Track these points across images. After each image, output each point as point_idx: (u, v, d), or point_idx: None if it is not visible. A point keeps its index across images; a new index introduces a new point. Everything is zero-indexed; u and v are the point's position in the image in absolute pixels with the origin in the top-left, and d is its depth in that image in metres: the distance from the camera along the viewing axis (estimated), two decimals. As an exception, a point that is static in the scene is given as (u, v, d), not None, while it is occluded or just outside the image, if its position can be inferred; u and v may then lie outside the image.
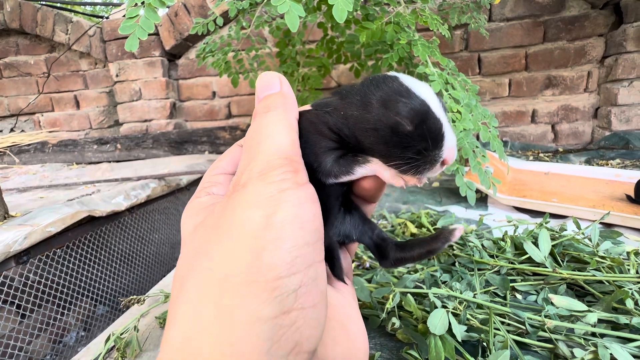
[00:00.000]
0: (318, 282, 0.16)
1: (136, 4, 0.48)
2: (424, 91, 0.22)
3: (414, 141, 0.21)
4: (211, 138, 1.68)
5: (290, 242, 0.16)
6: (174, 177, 1.19)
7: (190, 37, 1.74)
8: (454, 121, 0.71)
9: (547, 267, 0.48)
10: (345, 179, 0.23)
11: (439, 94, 0.25)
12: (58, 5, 2.02)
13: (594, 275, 0.44)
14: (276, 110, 0.21)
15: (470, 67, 1.60)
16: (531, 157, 1.39)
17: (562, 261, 0.50)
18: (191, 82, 1.88)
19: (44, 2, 1.99)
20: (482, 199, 0.91)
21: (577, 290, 0.46)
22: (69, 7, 2.04)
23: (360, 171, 0.23)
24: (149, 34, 1.79)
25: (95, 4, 2.55)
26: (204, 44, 1.15)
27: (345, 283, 0.24)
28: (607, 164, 1.21)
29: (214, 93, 1.87)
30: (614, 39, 1.42)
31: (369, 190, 0.25)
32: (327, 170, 0.23)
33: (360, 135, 0.22)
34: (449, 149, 0.22)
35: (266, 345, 0.14)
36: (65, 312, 0.83)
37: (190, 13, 1.71)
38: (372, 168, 0.23)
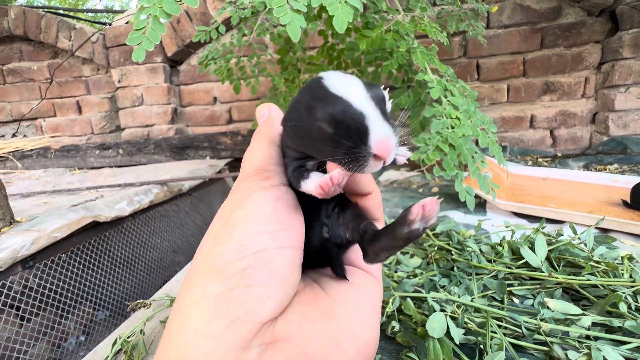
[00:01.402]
0: (270, 264, 0.19)
1: (143, 16, 0.50)
2: (345, 87, 0.21)
3: (340, 141, 0.21)
4: (212, 143, 1.70)
5: (239, 233, 0.20)
6: (176, 183, 1.21)
7: (192, 43, 1.77)
8: (453, 127, 0.73)
9: (543, 272, 0.49)
10: (302, 190, 0.23)
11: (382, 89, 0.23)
12: (61, 12, 2.06)
13: (589, 280, 0.46)
14: (261, 132, 0.26)
15: (469, 73, 1.63)
16: (530, 162, 1.40)
17: (558, 266, 0.51)
18: (192, 88, 1.90)
19: (48, 9, 2.03)
20: (481, 204, 0.92)
21: (572, 295, 0.47)
22: (72, 13, 2.08)
23: (305, 187, 0.22)
24: (151, 41, 1.82)
25: (98, 11, 2.59)
26: (206, 51, 1.17)
27: (347, 279, 0.25)
28: (605, 169, 1.23)
29: (215, 99, 1.89)
30: (610, 45, 1.44)
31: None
32: (290, 181, 0.24)
33: (300, 144, 0.23)
34: (378, 142, 0.20)
35: (208, 316, 0.18)
36: (66, 317, 0.84)
37: (192, 20, 1.74)
38: (313, 181, 0.22)
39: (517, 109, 1.61)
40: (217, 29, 1.09)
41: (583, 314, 0.40)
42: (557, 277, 0.47)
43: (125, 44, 1.83)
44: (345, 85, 0.22)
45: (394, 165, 0.26)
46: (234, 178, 1.75)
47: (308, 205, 0.25)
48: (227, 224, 0.21)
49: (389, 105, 0.23)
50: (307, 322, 0.20)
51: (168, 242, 1.23)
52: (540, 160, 1.44)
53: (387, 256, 0.22)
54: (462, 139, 0.72)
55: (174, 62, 1.87)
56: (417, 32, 0.95)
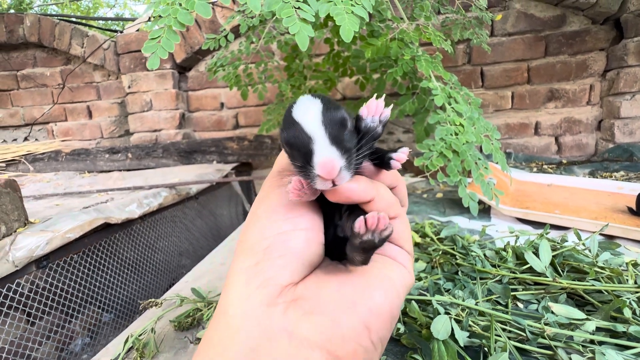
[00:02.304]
0: (287, 242, 0.24)
1: (158, 26, 0.52)
2: (302, 112, 0.24)
3: (296, 160, 0.25)
4: (219, 148, 1.72)
5: (262, 222, 0.25)
6: (184, 186, 1.23)
7: (200, 50, 1.80)
8: (456, 134, 0.74)
9: (547, 277, 0.49)
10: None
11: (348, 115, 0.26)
12: (74, 20, 2.11)
13: (593, 285, 0.46)
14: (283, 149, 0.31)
15: (473, 80, 1.64)
16: (535, 169, 1.40)
17: (563, 271, 0.51)
18: (200, 94, 1.94)
19: (61, 17, 2.08)
20: (485, 210, 0.92)
21: (576, 300, 0.47)
22: (84, 21, 2.13)
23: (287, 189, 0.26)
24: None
25: (109, 19, 2.65)
26: (215, 58, 1.20)
27: (356, 265, 0.27)
28: (611, 176, 1.22)
29: (222, 104, 1.92)
30: (615, 53, 1.45)
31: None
32: None
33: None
34: (319, 165, 0.23)
35: (243, 282, 0.24)
36: (73, 318, 0.85)
37: (201, 28, 1.78)
38: (289, 186, 0.25)
39: (522, 115, 1.62)
40: (226, 36, 1.12)
41: (587, 319, 0.41)
42: (561, 282, 0.47)
43: (135, 51, 1.87)
44: (303, 111, 0.25)
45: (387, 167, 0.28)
46: (240, 182, 1.76)
47: (325, 208, 0.28)
48: (253, 217, 0.27)
49: (349, 125, 0.25)
50: (324, 287, 0.24)
51: (174, 245, 1.24)
52: (545, 166, 1.44)
53: (360, 261, 0.25)
54: (466, 145, 0.72)
55: (182, 69, 1.91)
56: (421, 40, 0.96)
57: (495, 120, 1.63)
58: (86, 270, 0.85)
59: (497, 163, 0.78)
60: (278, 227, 0.25)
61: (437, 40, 0.93)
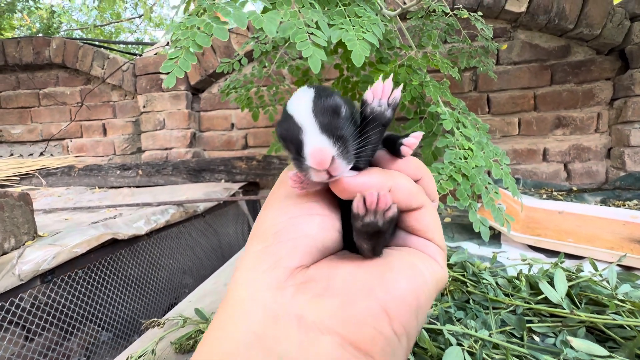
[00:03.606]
0: (299, 225, 0.23)
1: (177, 47, 0.54)
2: (294, 103, 0.23)
3: (290, 153, 0.23)
4: (228, 167, 1.74)
5: (275, 208, 0.25)
6: (192, 204, 1.23)
7: (214, 73, 1.87)
8: (465, 158, 0.74)
9: (564, 309, 0.47)
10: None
11: (346, 102, 0.24)
12: (97, 43, 2.23)
13: (615, 320, 0.44)
14: None
15: (480, 107, 1.65)
16: (544, 196, 1.38)
17: (580, 303, 0.49)
18: (212, 114, 1.98)
19: (85, 41, 2.20)
20: (496, 237, 0.90)
21: (597, 335, 0.45)
22: (106, 45, 2.24)
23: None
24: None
25: (129, 43, 2.79)
26: (228, 81, 1.24)
27: (367, 256, 0.25)
28: (624, 205, 1.19)
29: (232, 125, 1.96)
30: (621, 82, 1.46)
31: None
32: None
33: None
34: (309, 155, 0.21)
35: (252, 265, 0.22)
36: (70, 337, 0.83)
37: (216, 53, 1.85)
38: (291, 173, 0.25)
39: (529, 142, 1.61)
40: (239, 61, 1.16)
41: (610, 356, 0.38)
42: (579, 315, 0.45)
43: (152, 73, 1.95)
44: (295, 102, 0.23)
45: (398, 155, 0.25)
46: (247, 202, 1.76)
47: (343, 201, 0.25)
48: (266, 205, 0.26)
49: (344, 112, 0.24)
50: (338, 270, 0.22)
51: (179, 263, 1.23)
52: (555, 193, 1.41)
53: (368, 249, 0.22)
54: (475, 169, 0.72)
55: (196, 90, 1.97)
56: (429, 68, 0.99)
57: (503, 146, 1.63)
58: (89, 287, 0.83)
59: (506, 188, 0.77)
60: (290, 212, 0.24)
61: (445, 67, 0.95)
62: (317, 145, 0.21)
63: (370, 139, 0.24)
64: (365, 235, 0.22)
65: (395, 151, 0.25)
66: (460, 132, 0.79)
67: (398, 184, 0.24)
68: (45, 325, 0.74)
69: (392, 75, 0.28)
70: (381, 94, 0.24)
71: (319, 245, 0.23)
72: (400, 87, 0.26)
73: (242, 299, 0.21)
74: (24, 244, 0.68)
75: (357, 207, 0.21)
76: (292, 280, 0.21)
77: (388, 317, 0.20)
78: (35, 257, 0.63)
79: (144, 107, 1.97)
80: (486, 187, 0.70)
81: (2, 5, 2.72)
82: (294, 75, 1.32)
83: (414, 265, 0.23)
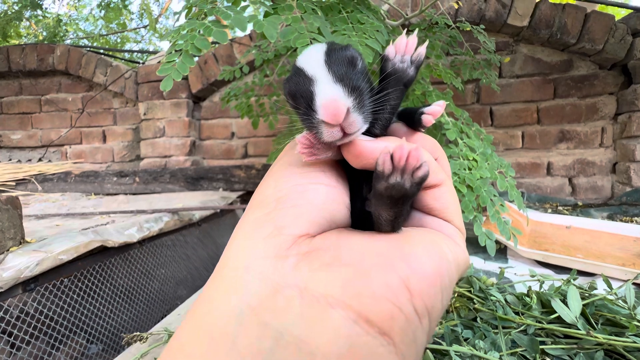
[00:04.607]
0: (304, 193, 0.21)
1: (175, 51, 0.53)
2: (306, 56, 0.21)
3: (299, 111, 0.21)
4: (227, 176, 1.72)
5: (278, 174, 0.23)
6: (187, 212, 1.20)
7: (216, 82, 1.88)
8: (470, 169, 0.72)
9: (579, 329, 0.44)
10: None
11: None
12: (101, 51, 2.25)
13: (635, 342, 0.40)
14: None
15: (483, 119, 1.64)
16: (549, 210, 1.35)
17: (596, 323, 0.46)
18: (212, 123, 1.98)
19: (90, 48, 2.22)
20: (502, 251, 0.87)
21: (615, 358, 0.41)
22: (111, 53, 2.27)
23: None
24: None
25: (134, 52, 2.82)
26: (229, 88, 1.23)
27: (384, 229, 0.22)
28: (632, 221, 1.16)
29: (232, 133, 1.95)
30: (625, 97, 1.45)
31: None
32: None
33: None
34: (321, 106, 0.19)
35: (249, 232, 0.20)
36: (57, 348, 0.79)
37: (218, 61, 1.87)
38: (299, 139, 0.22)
39: (533, 155, 1.60)
40: (241, 69, 1.16)
41: (633, 384, 0.35)
42: (597, 337, 0.42)
43: (154, 81, 1.96)
44: (307, 54, 0.21)
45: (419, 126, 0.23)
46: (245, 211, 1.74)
47: (352, 178, 0.23)
48: (270, 173, 0.24)
49: (360, 64, 0.22)
50: (348, 238, 0.20)
51: (172, 273, 1.19)
52: (560, 208, 1.39)
53: (389, 220, 0.20)
54: (480, 181, 0.70)
55: (197, 99, 1.98)
56: (432, 78, 0.98)
57: (506, 159, 1.61)
58: (75, 297, 0.80)
59: (512, 201, 0.74)
60: (294, 180, 0.22)
61: (448, 77, 0.95)
62: (330, 95, 0.19)
63: (389, 97, 0.22)
64: (387, 201, 0.19)
65: (413, 123, 0.23)
66: (464, 142, 0.77)
67: None
68: (27, 338, 0.70)
69: (417, 30, 0.25)
70: (405, 49, 0.22)
71: (326, 215, 0.21)
72: (426, 43, 0.23)
73: (235, 269, 0.19)
74: (8, 250, 0.66)
75: (383, 163, 0.18)
76: (296, 248, 0.19)
77: (409, 292, 0.17)
78: (18, 264, 0.60)
79: (144, 114, 1.97)
80: (491, 200, 0.68)
81: (10, 13, 2.77)
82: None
83: (436, 242, 0.20)
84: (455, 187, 0.68)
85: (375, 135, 0.22)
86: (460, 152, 0.75)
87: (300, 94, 0.21)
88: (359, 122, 0.20)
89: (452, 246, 0.21)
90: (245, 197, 1.72)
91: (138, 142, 2.07)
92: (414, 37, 0.23)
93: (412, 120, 0.24)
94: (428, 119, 0.22)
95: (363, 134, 0.21)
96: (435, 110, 0.22)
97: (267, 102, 1.31)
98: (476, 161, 0.74)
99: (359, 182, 0.23)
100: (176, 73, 0.51)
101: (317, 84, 0.20)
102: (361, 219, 0.23)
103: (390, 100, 0.22)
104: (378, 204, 0.20)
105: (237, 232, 0.21)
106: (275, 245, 0.19)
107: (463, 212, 0.66)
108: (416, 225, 0.23)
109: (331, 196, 0.21)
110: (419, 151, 0.18)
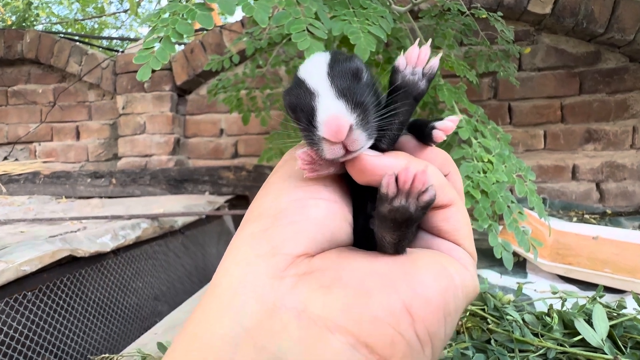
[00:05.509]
0: (305, 209, 0.22)
1: (155, 37, 0.53)
2: (308, 67, 0.23)
3: (300, 127, 0.22)
4: (214, 178, 1.72)
5: (276, 188, 0.24)
6: (169, 218, 1.20)
7: (203, 73, 1.88)
8: (485, 172, 0.72)
9: (606, 354, 0.43)
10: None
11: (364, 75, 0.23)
12: (76, 38, 2.26)
13: (669, 369, 0.40)
14: None
15: (500, 117, 1.65)
16: (575, 219, 1.35)
17: (625, 347, 0.45)
18: (199, 118, 1.98)
19: (65, 35, 2.23)
20: (520, 264, 0.87)
21: (648, 387, 0.41)
22: (88, 40, 2.28)
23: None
24: (162, 69, 1.94)
25: (113, 39, 2.84)
26: (217, 80, 1.24)
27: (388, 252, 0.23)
28: (667, 231, 1.16)
29: (221, 130, 1.95)
30: (659, 93, 1.45)
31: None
32: None
33: None
34: (323, 123, 0.20)
35: (244, 249, 0.21)
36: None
37: (206, 50, 1.87)
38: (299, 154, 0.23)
39: (557, 157, 1.60)
40: (230, 58, 1.16)
41: (667, 416, 0.34)
42: (625, 362, 0.41)
43: (134, 71, 1.96)
44: (309, 66, 0.23)
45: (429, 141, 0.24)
46: (234, 217, 1.73)
47: (355, 194, 0.25)
48: (266, 185, 0.25)
49: (366, 77, 0.23)
50: (349, 259, 0.21)
51: (151, 287, 1.19)
52: (586, 216, 1.38)
53: (392, 243, 0.21)
54: (496, 185, 0.70)
55: (182, 91, 1.98)
56: (443, 70, 0.98)
57: (527, 161, 1.61)
58: (40, 313, 0.79)
59: (531, 208, 0.74)
60: (294, 194, 0.23)
61: (461, 69, 0.95)
62: (333, 112, 0.20)
63: (397, 112, 0.23)
64: (390, 224, 0.20)
65: (423, 136, 0.24)
66: (479, 142, 0.77)
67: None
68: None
69: (430, 40, 0.26)
70: (416, 61, 0.23)
71: (326, 233, 0.22)
72: (440, 54, 0.24)
73: (229, 289, 0.20)
74: (-36, 259, 0.65)
75: (387, 185, 0.20)
76: (294, 269, 0.20)
77: (411, 317, 0.18)
78: (-27, 275, 0.60)
79: (123, 108, 1.97)
80: (509, 206, 0.68)
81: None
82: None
83: (442, 265, 0.21)
84: (468, 192, 0.68)
85: (382, 150, 0.23)
86: (474, 153, 0.75)
87: (301, 107, 0.22)
88: (362, 140, 0.21)
89: (461, 270, 0.22)
90: (235, 202, 1.71)
91: (115, 139, 2.06)
92: (426, 48, 0.24)
93: (422, 134, 0.25)
94: (439, 135, 0.23)
95: (369, 148, 0.22)
96: (447, 126, 0.23)
97: (260, 96, 1.31)
98: (492, 163, 0.74)
99: (363, 197, 0.24)
100: (155, 61, 0.51)
101: (319, 98, 0.21)
102: (364, 237, 0.24)
103: (398, 115, 0.23)
104: (381, 226, 0.21)
105: (232, 247, 0.22)
106: (272, 265, 0.20)
107: (476, 220, 0.66)
108: (423, 247, 0.24)
109: (332, 212, 0.22)
110: (426, 174, 0.19)
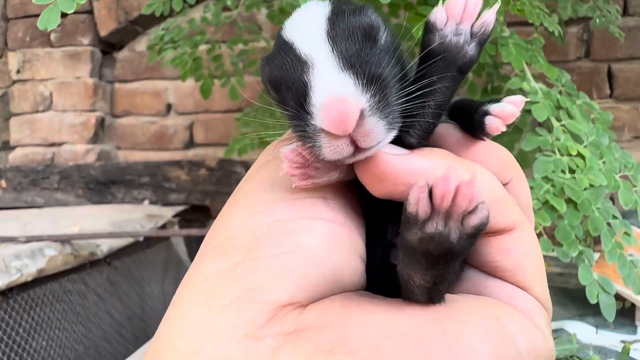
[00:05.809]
0: (292, 234, 0.23)
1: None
2: (298, 24, 0.24)
3: (287, 112, 0.23)
4: (157, 179, 1.72)
5: (251, 199, 0.25)
6: (88, 241, 1.20)
7: (141, 19, 1.88)
8: (572, 171, 0.73)
9: None
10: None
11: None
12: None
13: None
14: None
15: (596, 86, 1.66)
16: None
17: None
18: (134, 87, 1.99)
19: None
20: (626, 312, 0.89)
21: None
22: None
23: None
24: (78, 12, 1.94)
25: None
26: (162, 30, 1.24)
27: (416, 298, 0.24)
28: None
29: (168, 106, 1.96)
30: None
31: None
32: None
33: None
34: (322, 107, 0.20)
35: (204, 295, 0.22)
36: None
37: (145, -16, 1.88)
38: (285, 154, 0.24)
39: (681, 148, 1.61)
40: (183, -4, 1.16)
41: None
42: None
43: (34, 15, 1.97)
44: (300, 20, 0.24)
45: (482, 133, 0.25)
46: (187, 240, 1.73)
47: (370, 212, 0.26)
48: (236, 199, 0.25)
49: (383, 36, 0.23)
50: (359, 310, 0.21)
51: (59, 348, 1.19)
52: None
53: (423, 286, 0.21)
54: (590, 191, 0.71)
55: (109, 46, 1.99)
56: (508, 15, 0.99)
57: (636, 154, 1.61)
58: None
59: (644, 226, 0.76)
60: (278, 212, 0.23)
61: (535, 13, 0.95)
62: (335, 91, 0.20)
63: (434, 90, 0.23)
64: (422, 259, 0.20)
65: (472, 126, 0.25)
66: (563, 125, 0.79)
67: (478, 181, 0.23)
68: None
69: None
70: (462, 14, 0.24)
71: (325, 271, 0.22)
72: (497, 6, 0.24)
73: (181, 355, 0.20)
74: None
75: (417, 201, 0.19)
76: (277, 325, 0.20)
77: None
78: None
79: (17, 72, 1.98)
80: (609, 224, 0.69)
81: None
82: (276, 23, 1.33)
83: (499, 320, 0.22)
84: (547, 202, 0.69)
85: (410, 146, 0.24)
86: (555, 142, 0.76)
87: (288, 84, 0.23)
88: (379, 132, 0.21)
89: (527, 328, 0.23)
90: (189, 217, 1.72)
91: (6, 119, 2.07)
92: None
93: (470, 122, 0.25)
94: (495, 125, 0.24)
95: (391, 142, 0.23)
96: (507, 112, 0.24)
97: (228, 54, 1.32)
98: (583, 158, 0.75)
99: (382, 217, 0.26)
100: (65, 2, 0.51)
101: (315, 70, 0.21)
102: (383, 277, 0.25)
103: (435, 94, 0.23)
104: (408, 261, 0.21)
105: (184, 290, 0.23)
106: (244, 319, 0.20)
107: (559, 245, 0.67)
108: (473, 291, 0.25)
109: (335, 240, 0.23)
110: (474, 185, 0.19)
